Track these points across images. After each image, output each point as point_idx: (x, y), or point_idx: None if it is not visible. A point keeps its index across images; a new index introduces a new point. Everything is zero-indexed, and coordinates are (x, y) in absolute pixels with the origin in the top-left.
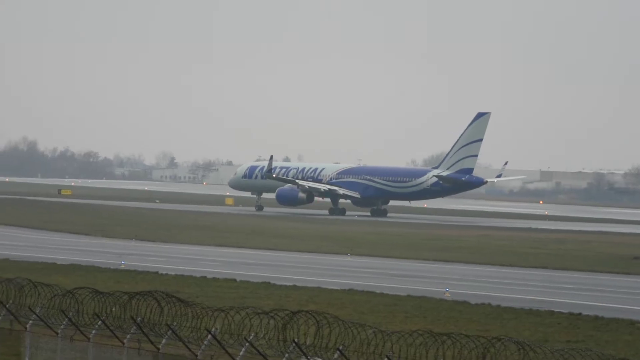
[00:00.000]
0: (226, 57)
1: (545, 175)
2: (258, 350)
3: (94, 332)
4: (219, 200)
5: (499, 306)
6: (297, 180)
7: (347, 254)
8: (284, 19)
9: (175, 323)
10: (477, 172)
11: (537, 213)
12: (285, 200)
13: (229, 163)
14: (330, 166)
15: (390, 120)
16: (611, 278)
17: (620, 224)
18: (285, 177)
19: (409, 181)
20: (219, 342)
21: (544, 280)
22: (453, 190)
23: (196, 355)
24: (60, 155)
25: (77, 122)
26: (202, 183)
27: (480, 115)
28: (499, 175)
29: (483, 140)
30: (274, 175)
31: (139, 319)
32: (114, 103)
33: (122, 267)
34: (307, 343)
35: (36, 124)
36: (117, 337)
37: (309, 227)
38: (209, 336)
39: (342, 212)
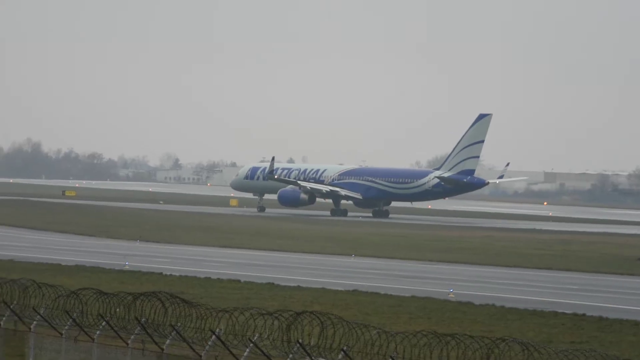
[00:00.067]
0: (226, 57)
1: (549, 176)
2: (262, 351)
3: (98, 332)
4: (223, 201)
5: (503, 307)
6: (299, 182)
7: (351, 255)
8: (284, 19)
9: (179, 324)
10: (480, 173)
11: (541, 214)
12: (287, 201)
13: (233, 164)
14: (332, 167)
15: (390, 120)
16: (615, 279)
17: (624, 225)
18: (287, 179)
19: (410, 182)
20: (223, 342)
21: (548, 281)
22: (455, 191)
23: (200, 356)
24: (65, 156)
25: (80, 123)
26: (207, 184)
27: (481, 116)
28: (501, 177)
29: (485, 141)
30: (275, 177)
31: (143, 319)
32: (114, 103)
33: (127, 268)
34: (311, 344)
35: (40, 125)
36: (121, 338)
37: (311, 228)
38: (213, 337)
39: (344, 213)
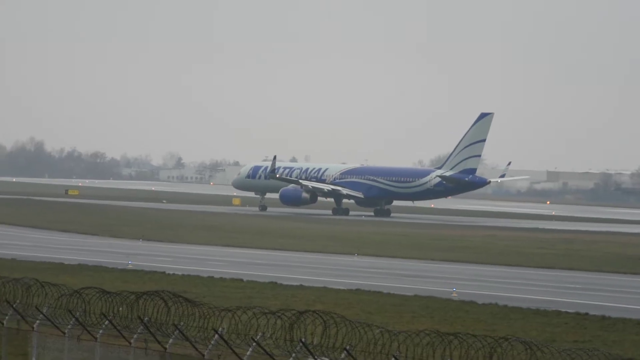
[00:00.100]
0: (226, 57)
1: (552, 175)
2: (265, 350)
3: (101, 331)
4: (226, 200)
5: (506, 306)
6: (300, 181)
7: (353, 254)
8: (284, 19)
9: (182, 323)
10: (483, 172)
11: (544, 213)
12: (289, 200)
13: (236, 163)
14: (333, 166)
15: (390, 120)
16: (618, 278)
17: (627, 224)
18: (288, 178)
19: (412, 181)
20: (226, 342)
21: (551, 280)
22: (456, 190)
23: (203, 355)
24: (68, 155)
25: (80, 123)
26: (209, 183)
27: (483, 115)
28: (503, 176)
29: (486, 140)
30: (277, 176)
31: (146, 318)
32: (114, 103)
33: (129, 267)
34: (314, 343)
35: (40, 125)
36: (124, 337)
37: (313, 227)
38: (216, 336)
39: (346, 212)
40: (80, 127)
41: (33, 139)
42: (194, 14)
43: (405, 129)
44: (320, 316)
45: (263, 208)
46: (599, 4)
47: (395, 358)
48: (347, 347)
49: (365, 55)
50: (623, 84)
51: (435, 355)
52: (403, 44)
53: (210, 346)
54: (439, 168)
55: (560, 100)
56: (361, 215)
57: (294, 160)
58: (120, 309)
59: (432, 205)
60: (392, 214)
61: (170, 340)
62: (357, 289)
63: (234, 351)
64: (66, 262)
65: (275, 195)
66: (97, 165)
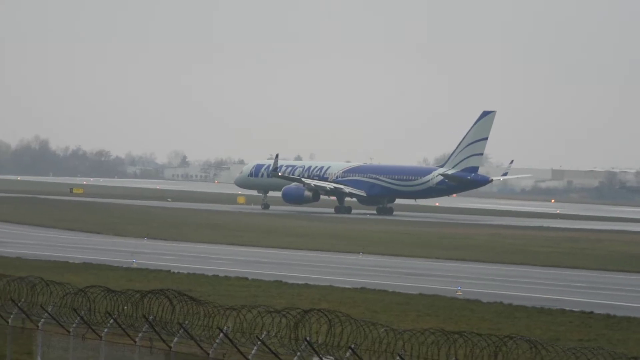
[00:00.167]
0: (226, 57)
1: (557, 174)
2: (270, 349)
3: (106, 330)
4: (231, 198)
5: (510, 305)
6: (303, 179)
7: (358, 253)
8: (284, 19)
9: (187, 321)
10: (489, 171)
11: (549, 211)
12: (291, 198)
13: (241, 161)
14: (336, 164)
15: (390, 120)
16: (623, 277)
17: (632, 222)
18: (291, 176)
19: (414, 180)
20: (230, 340)
21: (556, 279)
22: (458, 188)
23: (208, 354)
24: (72, 154)
25: (81, 122)
26: (214, 182)
27: (485, 113)
28: (505, 174)
29: (488, 138)
30: (279, 174)
31: (151, 317)
32: (114, 103)
33: (134, 265)
34: (319, 341)
35: (42, 124)
36: (129, 336)
37: (316, 225)
38: (221, 335)
39: (348, 210)
40: (81, 126)
41: (38, 137)
42: (194, 14)
43: (405, 129)
44: (325, 315)
45: (266, 206)
46: (599, 4)
47: (400, 357)
48: (352, 346)
49: (365, 55)
50: (623, 84)
51: (440, 354)
52: (403, 44)
53: (215, 345)
54: (442, 166)
55: (560, 100)
56: (366, 214)
57: (298, 158)
58: (125, 307)
59: (437, 204)
60: (394, 212)
61: (175, 339)
62: (362, 288)
63: (238, 350)
64: (71, 261)
65: (278, 194)
66: (101, 164)
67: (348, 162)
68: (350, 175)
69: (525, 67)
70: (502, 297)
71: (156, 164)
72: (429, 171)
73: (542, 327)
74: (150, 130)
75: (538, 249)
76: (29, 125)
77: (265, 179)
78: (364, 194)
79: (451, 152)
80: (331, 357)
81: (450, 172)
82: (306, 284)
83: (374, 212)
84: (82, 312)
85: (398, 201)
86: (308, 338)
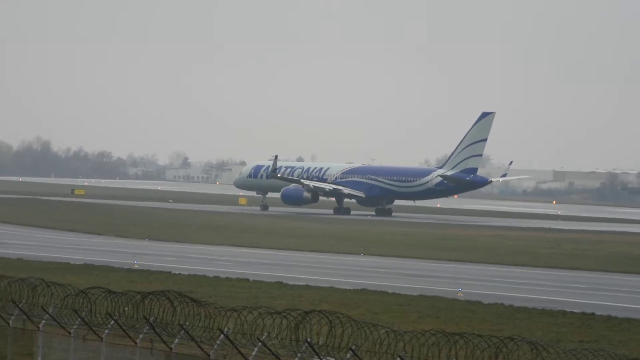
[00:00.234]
0: (226, 57)
1: (558, 175)
2: (270, 350)
3: (106, 331)
4: (232, 200)
5: (511, 306)
6: (302, 180)
7: (359, 254)
8: (284, 19)
9: (188, 323)
10: (490, 172)
11: (550, 213)
12: (290, 199)
13: (242, 163)
14: (335, 166)
15: (390, 120)
16: (624, 278)
17: (633, 223)
18: (290, 177)
19: (413, 181)
20: (231, 341)
21: (557, 280)
22: (457, 189)
23: (209, 355)
24: (74, 155)
25: (82, 122)
26: (216, 183)
27: (484, 115)
28: (504, 175)
29: (487, 139)
30: (278, 175)
31: (151, 318)
32: (114, 103)
33: (135, 266)
34: (320, 343)
35: (42, 124)
36: (129, 337)
37: (316, 226)
38: (222, 336)
39: (347, 211)
40: (81, 127)
41: (39, 138)
42: (194, 14)
43: (405, 129)
44: (326, 316)
45: (264, 207)
46: (599, 4)
47: (400, 358)
48: (353, 347)
49: (365, 55)
50: (623, 84)
51: (441, 356)
52: (403, 44)
53: (215, 346)
54: (441, 167)
55: (560, 100)
56: (367, 215)
57: (300, 159)
58: (126, 308)
59: (439, 205)
60: (393, 214)
61: (176, 340)
62: (362, 289)
63: (239, 351)
64: (72, 262)
65: (277, 195)
66: (103, 165)
67: (349, 162)
68: (349, 177)
69: (525, 67)
70: (503, 298)
71: (157, 165)
72: (427, 172)
73: (543, 328)
74: (150, 131)
75: (539, 250)
76: (29, 126)
77: (264, 180)
78: (363, 195)
79: (450, 153)
80: (332, 359)
81: (449, 173)
82: (307, 285)
83: (373, 213)
84: (83, 314)
85: (397, 202)
86: (309, 339)
